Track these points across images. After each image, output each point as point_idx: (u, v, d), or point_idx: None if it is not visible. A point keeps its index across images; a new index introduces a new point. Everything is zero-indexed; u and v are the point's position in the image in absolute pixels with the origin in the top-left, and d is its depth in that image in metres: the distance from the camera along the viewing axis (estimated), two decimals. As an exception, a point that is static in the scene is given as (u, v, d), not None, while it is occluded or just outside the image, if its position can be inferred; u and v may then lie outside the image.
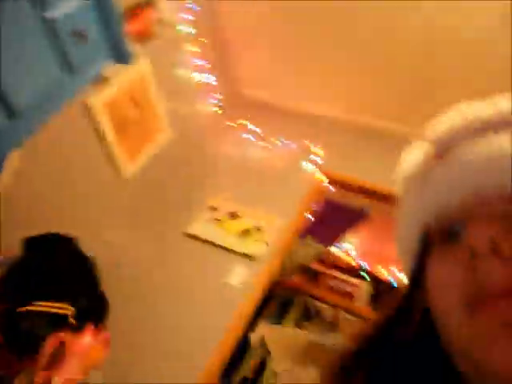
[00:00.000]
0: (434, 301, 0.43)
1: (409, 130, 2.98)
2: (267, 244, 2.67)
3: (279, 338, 1.41)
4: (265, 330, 1.68)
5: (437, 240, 0.44)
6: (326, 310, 3.52)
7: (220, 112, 3.14)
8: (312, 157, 3.03)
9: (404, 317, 0.48)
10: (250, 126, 3.19)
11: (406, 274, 0.53)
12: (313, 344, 1.19)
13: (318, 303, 3.55)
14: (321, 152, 3.04)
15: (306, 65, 3.02)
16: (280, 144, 3.12)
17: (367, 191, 2.97)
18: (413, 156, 0.51)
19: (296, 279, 3.55)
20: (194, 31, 2.70)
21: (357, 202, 3.02)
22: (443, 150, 0.45)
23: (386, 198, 2.93)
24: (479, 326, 0.36)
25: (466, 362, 0.40)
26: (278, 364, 1.32)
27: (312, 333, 1.64)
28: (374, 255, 4.74)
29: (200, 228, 2.77)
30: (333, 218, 3.04)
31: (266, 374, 2.66)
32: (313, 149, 3.04)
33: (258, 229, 2.73)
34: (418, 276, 0.47)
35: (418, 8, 2.30)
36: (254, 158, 3.14)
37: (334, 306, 3.57)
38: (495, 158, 0.39)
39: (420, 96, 2.78)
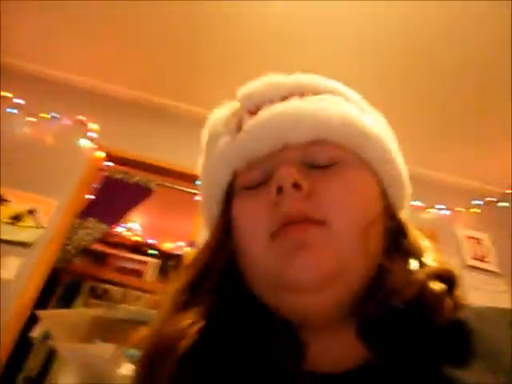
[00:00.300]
0: (241, 236, 0.48)
1: (187, 108, 3.14)
2: (43, 229, 2.45)
3: (62, 321, 1.32)
4: (47, 319, 1.56)
5: (245, 183, 0.51)
6: (115, 291, 3.45)
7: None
8: (88, 133, 2.87)
9: (211, 263, 0.51)
10: (15, 100, 2.82)
11: (211, 222, 0.58)
12: (98, 319, 1.15)
13: (107, 285, 3.46)
14: (97, 128, 2.90)
15: (79, 37, 2.82)
16: (52, 119, 2.85)
17: (149, 167, 2.99)
18: (222, 111, 0.58)
19: (80, 263, 3.37)
20: None
21: (139, 178, 3.01)
22: (255, 107, 0.52)
23: (168, 173, 3.03)
24: (281, 248, 0.43)
25: (271, 284, 0.45)
26: (63, 346, 1.24)
27: (98, 309, 1.59)
28: (159, 231, 4.86)
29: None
30: (115, 195, 2.95)
31: (54, 370, 2.48)
32: (89, 124, 2.89)
33: (31, 212, 2.47)
34: (224, 219, 0.52)
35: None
36: (21, 135, 2.79)
37: (123, 286, 3.54)
38: (290, 117, 0.49)
39: (193, 75, 2.92)
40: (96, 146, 2.86)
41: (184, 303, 0.48)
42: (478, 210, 3.22)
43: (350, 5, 2.27)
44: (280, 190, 0.44)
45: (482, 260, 3.05)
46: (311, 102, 0.51)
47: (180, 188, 3.16)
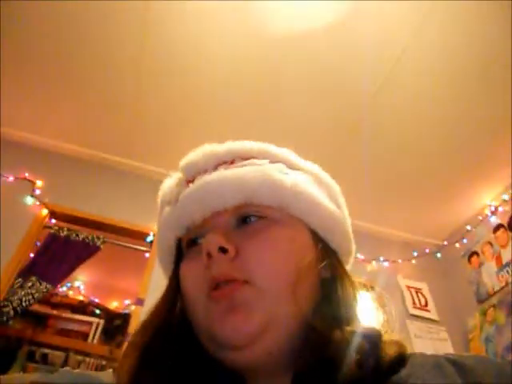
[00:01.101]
0: (185, 295, 0.53)
1: (130, 164, 3.19)
2: (-21, 289, 2.34)
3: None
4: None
5: (186, 248, 0.56)
6: (55, 355, 3.27)
7: None
8: (33, 190, 2.84)
9: (167, 319, 0.54)
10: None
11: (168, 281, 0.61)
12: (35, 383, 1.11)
13: (46, 349, 3.27)
14: (42, 184, 2.88)
15: (24, 94, 2.85)
16: (-5, 176, 2.81)
17: (95, 224, 2.97)
18: (169, 181, 0.62)
19: (18, 326, 3.19)
20: None
21: (85, 235, 2.97)
22: (192, 177, 0.57)
23: (114, 230, 3.01)
24: (214, 311, 0.47)
25: (210, 340, 0.49)
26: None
27: (36, 373, 1.51)
28: (105, 289, 4.70)
29: None
30: (60, 254, 2.88)
31: None
32: (34, 181, 2.86)
33: (-33, 273, 2.37)
34: (175, 280, 0.56)
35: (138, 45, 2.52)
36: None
37: (65, 350, 3.36)
38: (214, 186, 0.54)
39: (138, 135, 3.01)
40: (40, 203, 2.82)
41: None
42: (413, 261, 3.41)
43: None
44: (209, 255, 0.49)
45: (423, 309, 3.19)
46: (235, 169, 0.56)
47: (126, 245, 3.13)
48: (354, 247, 0.63)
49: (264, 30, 2.30)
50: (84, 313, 4.05)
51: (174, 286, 0.56)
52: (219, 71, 2.56)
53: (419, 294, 3.27)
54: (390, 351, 0.45)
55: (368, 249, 3.17)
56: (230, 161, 0.58)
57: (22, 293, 2.63)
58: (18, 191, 2.82)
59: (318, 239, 0.56)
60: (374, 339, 0.46)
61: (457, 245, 3.38)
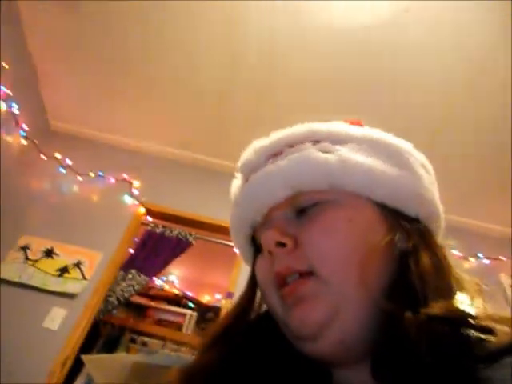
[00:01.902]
0: (261, 292, 0.55)
1: (220, 163, 3.31)
2: (87, 280, 2.59)
3: (103, 365, 1.39)
4: (89, 363, 1.62)
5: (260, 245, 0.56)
6: (153, 343, 3.51)
7: (26, 144, 2.92)
8: (131, 190, 3.06)
9: (246, 313, 0.56)
10: (65, 160, 3.08)
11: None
12: (138, 364, 1.21)
13: (146, 338, 3.53)
14: (139, 185, 3.10)
15: (120, 101, 3.09)
16: (98, 178, 3.08)
17: (187, 221, 3.13)
18: (235, 183, 0.64)
19: (121, 315, 3.47)
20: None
21: (178, 231, 3.15)
22: (248, 175, 0.58)
23: (205, 227, 3.14)
24: (286, 305, 0.48)
25: (288, 332, 0.49)
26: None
27: (139, 354, 1.63)
28: (197, 283, 4.93)
29: (11, 270, 2.53)
30: (156, 249, 3.09)
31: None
32: (132, 182, 3.09)
33: (77, 265, 2.63)
34: (253, 275, 0.57)
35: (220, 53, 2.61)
36: (70, 193, 3.02)
37: (162, 339, 3.59)
38: (263, 185, 0.54)
39: (225, 133, 3.10)
40: (138, 202, 3.03)
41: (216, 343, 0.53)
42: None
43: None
44: (270, 252, 0.50)
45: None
46: (280, 161, 0.55)
47: (217, 241, 3.26)
48: (440, 208, 0.56)
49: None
50: (178, 305, 4.29)
51: (253, 281, 0.57)
52: (300, 69, 2.56)
53: (526, 295, 3.00)
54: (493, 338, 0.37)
55: (465, 245, 2.96)
56: (278, 152, 0.57)
57: (124, 284, 2.86)
58: (118, 191, 3.06)
59: (387, 211, 0.52)
60: (458, 322, 0.39)
61: None
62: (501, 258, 3.13)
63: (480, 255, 3.12)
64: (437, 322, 0.39)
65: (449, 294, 0.43)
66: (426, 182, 0.55)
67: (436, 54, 2.37)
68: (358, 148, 0.55)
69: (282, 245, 0.49)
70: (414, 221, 0.53)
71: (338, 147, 0.55)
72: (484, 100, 2.52)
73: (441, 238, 0.56)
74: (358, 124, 0.63)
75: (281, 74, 2.64)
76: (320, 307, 0.45)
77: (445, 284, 0.45)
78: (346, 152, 0.54)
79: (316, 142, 0.56)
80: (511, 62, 2.28)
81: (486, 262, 3.11)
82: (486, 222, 3.32)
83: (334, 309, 0.45)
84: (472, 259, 3.09)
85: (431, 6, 2.15)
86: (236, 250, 0.69)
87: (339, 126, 0.59)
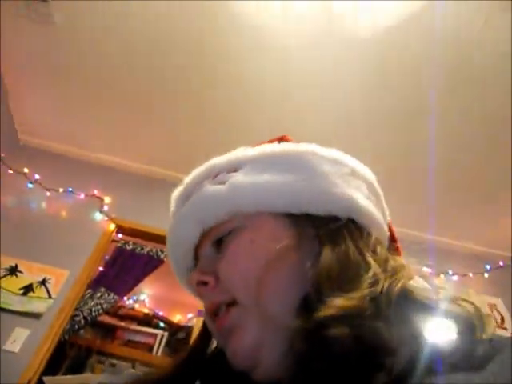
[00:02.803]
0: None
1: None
2: (53, 299, 2.49)
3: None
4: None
5: None
6: (123, 366, 3.39)
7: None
8: (102, 206, 2.99)
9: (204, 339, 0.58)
10: (33, 175, 2.99)
11: None
12: (102, 385, 1.17)
13: (114, 360, 3.41)
14: (110, 201, 3.03)
15: (91, 116, 3.04)
16: (67, 193, 3.00)
17: (159, 238, 3.06)
18: (173, 198, 0.65)
19: (88, 335, 3.35)
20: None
21: (150, 248, 3.09)
22: (190, 193, 0.59)
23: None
24: (221, 338, 0.50)
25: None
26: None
27: (103, 374, 1.59)
28: (168, 302, 4.82)
29: (-31, 289, 2.42)
30: (126, 267, 3.01)
31: None
32: (102, 198, 3.02)
33: (43, 283, 2.53)
34: None
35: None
36: (37, 208, 2.93)
37: (131, 361, 3.47)
38: (203, 202, 0.54)
39: (195, 149, 3.07)
40: (108, 219, 2.96)
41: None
42: (486, 275, 3.19)
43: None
44: (198, 292, 0.53)
45: (499, 327, 2.96)
46: (187, 205, 0.57)
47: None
48: (360, 199, 0.52)
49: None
50: (149, 325, 4.19)
51: None
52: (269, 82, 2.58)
53: (494, 311, 3.05)
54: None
55: (434, 262, 3.01)
56: (189, 194, 0.59)
57: (92, 303, 2.77)
58: (87, 207, 2.99)
59: (295, 218, 0.50)
60: (356, 316, 0.37)
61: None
62: (469, 274, 3.19)
63: (449, 272, 3.17)
64: (330, 325, 0.36)
65: (355, 285, 0.41)
66: (334, 176, 0.53)
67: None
68: (252, 168, 0.55)
69: (204, 283, 0.51)
70: (329, 220, 0.50)
71: (232, 174, 0.55)
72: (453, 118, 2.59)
73: (377, 231, 0.53)
74: (284, 140, 0.63)
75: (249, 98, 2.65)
76: (246, 336, 0.45)
77: (352, 276, 0.42)
78: (239, 177, 0.54)
79: (216, 175, 0.57)
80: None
81: (455, 278, 3.16)
82: (453, 239, 3.39)
83: (258, 333, 0.45)
84: (442, 276, 3.14)
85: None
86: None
87: (237, 153, 0.59)
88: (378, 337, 0.35)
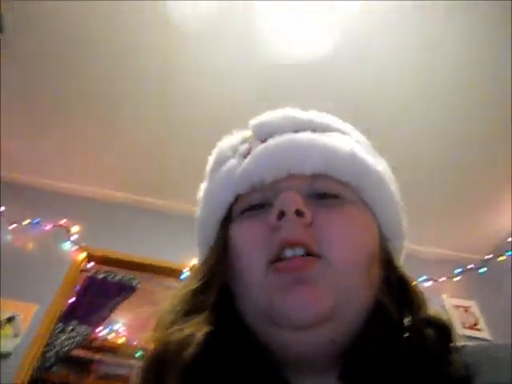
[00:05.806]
0: (237, 259, 0.47)
1: (162, 204, 3.23)
2: (21, 336, 2.38)
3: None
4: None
5: (245, 205, 0.51)
6: (100, 401, 3.27)
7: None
8: (70, 236, 2.91)
9: (206, 290, 0.48)
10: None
11: (208, 242, 0.56)
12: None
13: (90, 396, 3.28)
14: (78, 229, 2.95)
15: (55, 145, 2.97)
16: (33, 225, 2.90)
17: (130, 264, 3.00)
18: (231, 139, 0.60)
19: (61, 372, 3.21)
20: None
21: (122, 276, 3.01)
22: (266, 136, 0.54)
23: (150, 269, 3.02)
24: (278, 282, 0.42)
25: (264, 318, 0.43)
26: None
27: None
28: (145, 329, 4.68)
29: None
30: (98, 297, 2.92)
31: None
32: (69, 227, 2.94)
33: (10, 320, 2.41)
34: (223, 240, 0.51)
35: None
36: (3, 242, 2.82)
37: (109, 394, 3.35)
38: (298, 148, 0.50)
39: (165, 175, 3.05)
40: (77, 248, 2.88)
41: (186, 312, 0.46)
42: (457, 279, 3.24)
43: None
44: (282, 214, 0.44)
45: (473, 328, 3.01)
46: (321, 136, 0.53)
47: (163, 283, 3.14)
48: (404, 246, 0.60)
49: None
50: (125, 356, 4.05)
51: (222, 248, 0.50)
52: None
53: (468, 313, 3.10)
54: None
55: (406, 269, 3.04)
56: (311, 129, 0.54)
57: (64, 337, 2.66)
58: (55, 238, 2.90)
59: (381, 231, 0.52)
60: (445, 331, 0.44)
61: (503, 258, 3.20)
62: (440, 279, 3.23)
63: (422, 278, 3.20)
64: (427, 326, 0.43)
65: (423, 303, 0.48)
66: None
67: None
68: (359, 144, 0.56)
69: (300, 214, 0.44)
70: (391, 254, 0.55)
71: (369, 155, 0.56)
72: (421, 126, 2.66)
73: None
74: None
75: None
76: (327, 297, 0.41)
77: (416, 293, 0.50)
78: (374, 160, 0.55)
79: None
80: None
81: (428, 284, 3.20)
82: (423, 245, 3.44)
83: (339, 301, 0.41)
84: (415, 283, 3.16)
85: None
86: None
87: (317, 115, 0.59)
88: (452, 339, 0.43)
